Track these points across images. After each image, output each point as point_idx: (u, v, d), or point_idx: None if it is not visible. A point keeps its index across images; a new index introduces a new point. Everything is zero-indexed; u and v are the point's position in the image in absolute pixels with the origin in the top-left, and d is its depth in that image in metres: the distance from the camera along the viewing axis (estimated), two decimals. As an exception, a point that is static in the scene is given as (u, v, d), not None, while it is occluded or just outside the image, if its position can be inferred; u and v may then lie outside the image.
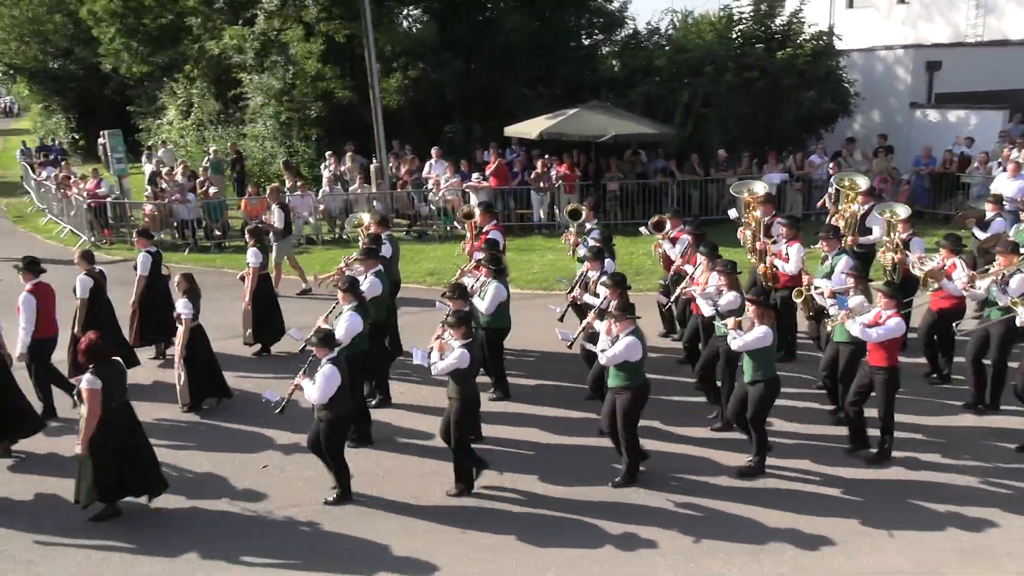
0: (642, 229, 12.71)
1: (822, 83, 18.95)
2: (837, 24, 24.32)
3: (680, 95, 18.73)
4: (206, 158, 22.33)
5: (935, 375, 10.09)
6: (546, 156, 18.51)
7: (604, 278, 8.98)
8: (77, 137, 34.09)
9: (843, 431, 8.64)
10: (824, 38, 19.71)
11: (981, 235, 11.31)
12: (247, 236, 11.84)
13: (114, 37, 26.20)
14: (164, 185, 18.73)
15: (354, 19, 19.56)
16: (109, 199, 19.24)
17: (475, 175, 18.53)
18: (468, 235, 11.94)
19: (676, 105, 18.80)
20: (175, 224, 18.40)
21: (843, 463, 8.30)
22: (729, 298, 8.62)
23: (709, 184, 18.21)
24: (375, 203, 18.86)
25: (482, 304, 9.43)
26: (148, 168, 22.15)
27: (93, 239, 18.69)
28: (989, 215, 11.34)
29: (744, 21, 20.12)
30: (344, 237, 18.71)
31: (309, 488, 8.11)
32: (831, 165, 17.21)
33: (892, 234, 10.71)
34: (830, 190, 12.62)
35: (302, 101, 21.01)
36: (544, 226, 18.31)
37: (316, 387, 7.42)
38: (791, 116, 18.83)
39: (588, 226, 11.51)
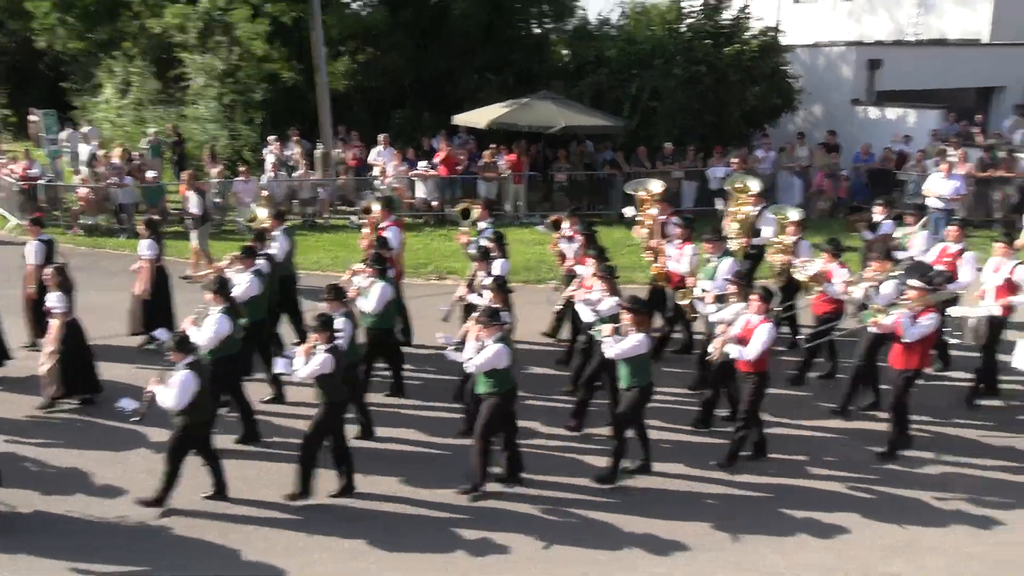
0: (539, 227, 12.73)
1: (768, 79, 19.20)
2: (783, 17, 24.69)
3: (629, 87, 18.80)
4: (145, 139, 21.69)
5: (822, 375, 10.35)
6: (494, 145, 18.42)
7: (487, 280, 8.96)
8: (8, 113, 32.72)
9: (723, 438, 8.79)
10: (770, 34, 19.93)
11: (869, 236, 11.39)
12: (142, 226, 11.35)
13: (49, 11, 25.16)
14: (101, 168, 18.13)
15: (302, 0, 19.16)
16: (41, 181, 18.57)
17: (422, 163, 18.37)
18: (367, 230, 11.68)
19: (625, 97, 18.86)
20: (112, 208, 17.84)
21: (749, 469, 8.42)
22: (609, 303, 8.59)
23: (656, 176, 18.29)
24: (319, 190, 18.60)
25: (367, 304, 9.25)
26: (83, 148, 21.41)
27: (23, 222, 18.03)
28: (878, 218, 11.39)
29: (693, 16, 20.25)
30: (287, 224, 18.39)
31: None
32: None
33: (783, 236, 10.86)
34: (724, 192, 12.78)
35: (246, 83, 20.53)
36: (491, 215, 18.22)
37: (171, 393, 7.26)
38: (737, 111, 19.04)
39: (482, 225, 11.32)
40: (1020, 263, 9.49)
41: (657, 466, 8.35)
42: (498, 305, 8.26)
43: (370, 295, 9.24)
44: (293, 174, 18.65)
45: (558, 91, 19.24)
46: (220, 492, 7.79)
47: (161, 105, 23.95)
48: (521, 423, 8.87)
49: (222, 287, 8.55)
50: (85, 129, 22.80)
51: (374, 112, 20.74)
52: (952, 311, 9.80)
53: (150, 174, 18.33)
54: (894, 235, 11.05)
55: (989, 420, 9.47)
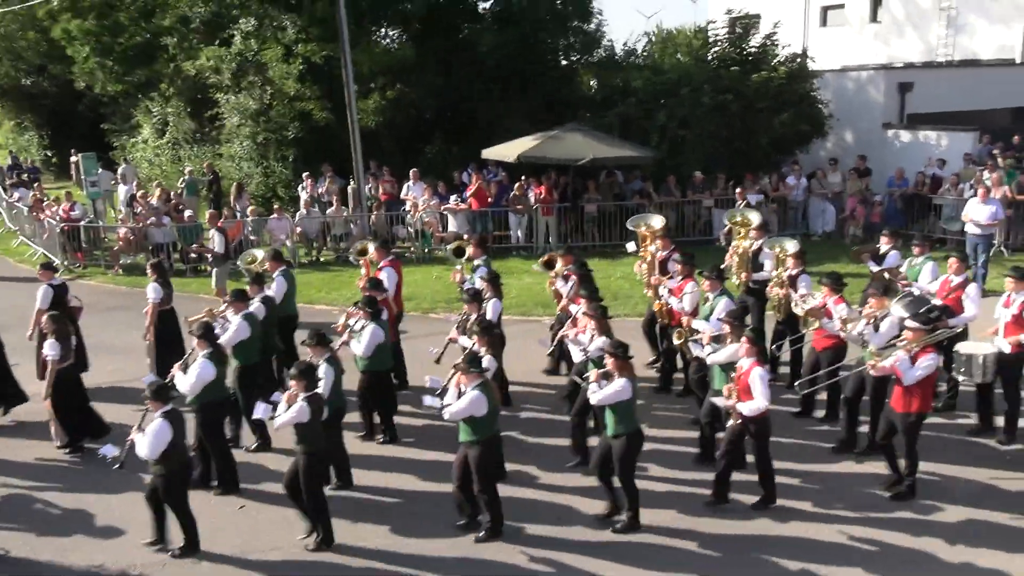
0: (534, 266, 12.59)
1: (796, 106, 19.14)
2: (810, 41, 24.67)
3: (657, 117, 18.85)
4: (181, 179, 22.17)
5: (820, 417, 9.98)
6: (524, 178, 18.55)
7: (473, 323, 8.88)
8: (50, 155, 33.71)
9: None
10: (798, 60, 19.91)
11: (875, 269, 11.03)
12: (149, 270, 11.50)
13: (88, 56, 25.96)
14: (139, 208, 18.54)
15: (332, 40, 19.54)
16: (83, 223, 19.03)
17: (453, 197, 18.53)
18: (364, 271, 11.67)
19: (652, 127, 18.92)
20: (150, 248, 18.21)
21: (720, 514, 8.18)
22: (598, 343, 8.45)
23: (686, 205, 18.33)
24: (351, 226, 18.83)
25: (359, 347, 9.19)
26: (122, 189, 21.93)
27: (66, 263, 18.48)
28: (884, 248, 11.07)
29: (719, 44, 20.29)
30: (321, 260, 18.66)
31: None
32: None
33: (779, 268, 10.69)
34: (724, 226, 12.64)
35: (279, 121, 20.93)
36: (522, 248, 18.33)
37: (145, 442, 7.30)
38: (765, 138, 19.00)
39: (476, 263, 11.12)
40: None
41: (657, 513, 8.16)
42: (482, 349, 8.18)
43: (362, 338, 9.17)
44: (327, 211, 18.91)
45: (586, 122, 19.35)
46: (160, 540, 7.74)
47: (197, 144, 24.52)
48: (515, 466, 8.92)
49: (206, 332, 8.52)
50: (121, 168, 23.34)
51: (404, 147, 21.01)
52: (960, 347, 9.32)
53: (187, 214, 18.69)
54: (900, 267, 10.77)
55: (1001, 464, 8.94)
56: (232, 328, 9.31)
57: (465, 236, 14.81)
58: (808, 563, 7.37)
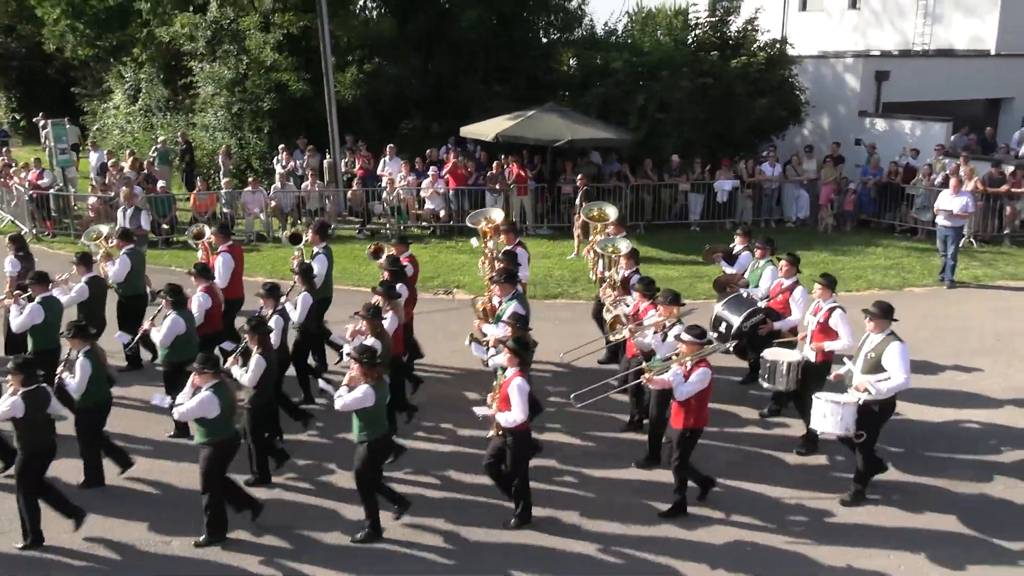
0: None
1: (775, 91, 19.22)
2: (789, 26, 24.71)
3: (635, 99, 18.84)
4: (153, 147, 21.83)
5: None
6: (503, 156, 18.50)
7: (244, 323, 8.57)
8: (18, 118, 33.01)
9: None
10: (778, 46, 19.95)
11: (729, 270, 10.92)
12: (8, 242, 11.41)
13: (59, 18, 25.36)
14: (111, 178, 18.26)
15: (309, 10, 19.26)
16: (52, 191, 18.71)
17: (431, 169, 18.42)
18: (202, 254, 11.58)
19: (631, 108, 18.91)
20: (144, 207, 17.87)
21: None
22: (369, 343, 8.27)
23: (663, 189, 18.40)
24: (326, 200, 18.66)
25: (157, 335, 9.14)
26: (94, 156, 21.56)
27: (35, 230, 18.20)
28: (737, 248, 10.92)
29: (700, 27, 20.27)
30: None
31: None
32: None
33: (612, 270, 10.58)
34: (577, 219, 12.43)
35: (255, 92, 20.62)
36: (498, 227, 18.29)
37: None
38: (744, 123, 19.07)
39: (315, 250, 10.99)
40: (837, 306, 8.68)
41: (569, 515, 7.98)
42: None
43: (162, 327, 9.09)
44: (302, 185, 18.74)
45: (565, 102, 19.28)
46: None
47: (170, 112, 24.12)
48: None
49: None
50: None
51: (382, 122, 20.83)
52: (765, 354, 9.01)
53: (159, 184, 18.43)
54: (745, 272, 10.66)
55: (797, 480, 8.59)
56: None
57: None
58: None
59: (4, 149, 22.83)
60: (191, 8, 21.87)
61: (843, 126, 20.80)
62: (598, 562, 7.38)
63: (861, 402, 7.80)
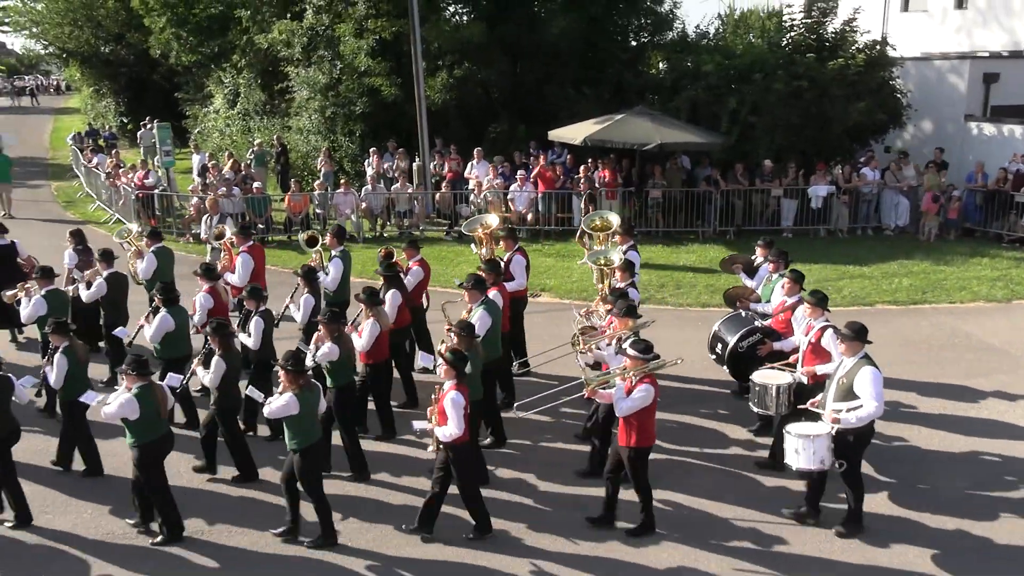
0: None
1: (874, 94, 18.57)
2: (890, 27, 23.81)
3: (727, 102, 18.49)
4: (250, 150, 22.57)
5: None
6: (590, 160, 18.43)
7: (208, 326, 8.67)
8: (125, 121, 34.63)
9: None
10: (878, 47, 19.27)
11: (749, 282, 10.46)
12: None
13: (164, 26, 26.54)
14: (211, 179, 18.96)
15: (402, 16, 19.62)
16: (156, 191, 19.54)
17: (519, 173, 18.47)
18: (225, 254, 11.59)
19: (722, 112, 18.58)
20: (227, 215, 18.57)
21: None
22: (325, 350, 8.33)
23: (754, 194, 17.99)
24: (415, 203, 18.93)
25: (148, 331, 9.27)
26: (195, 159, 22.45)
27: (140, 228, 18.99)
28: (759, 260, 10.48)
29: (795, 29, 19.75)
30: (384, 235, 18.83)
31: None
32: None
33: (605, 282, 10.20)
34: (582, 229, 11.82)
35: (348, 96, 21.11)
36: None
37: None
38: (840, 127, 18.49)
39: (333, 253, 11.01)
40: (829, 325, 8.14)
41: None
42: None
43: (153, 323, 9.25)
44: (392, 187, 19.07)
45: (654, 106, 19.08)
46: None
47: (267, 116, 24.90)
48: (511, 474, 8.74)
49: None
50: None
51: (469, 126, 21.02)
52: (755, 376, 8.56)
53: (255, 185, 19.03)
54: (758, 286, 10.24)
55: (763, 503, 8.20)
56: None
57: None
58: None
59: (114, 151, 23.95)
60: (288, 16, 22.54)
61: (948, 131, 19.93)
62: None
63: (834, 432, 7.34)
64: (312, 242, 11.66)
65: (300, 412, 7.21)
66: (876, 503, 8.10)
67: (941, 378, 10.95)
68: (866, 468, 8.12)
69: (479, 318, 8.84)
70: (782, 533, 7.70)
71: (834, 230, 18.03)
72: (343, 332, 8.56)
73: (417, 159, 19.77)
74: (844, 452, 7.36)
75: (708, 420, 9.93)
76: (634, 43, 22.54)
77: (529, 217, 18.34)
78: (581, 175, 18.06)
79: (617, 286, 9.76)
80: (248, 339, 9.23)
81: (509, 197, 18.42)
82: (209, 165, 20.05)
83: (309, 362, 8.25)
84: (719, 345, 9.51)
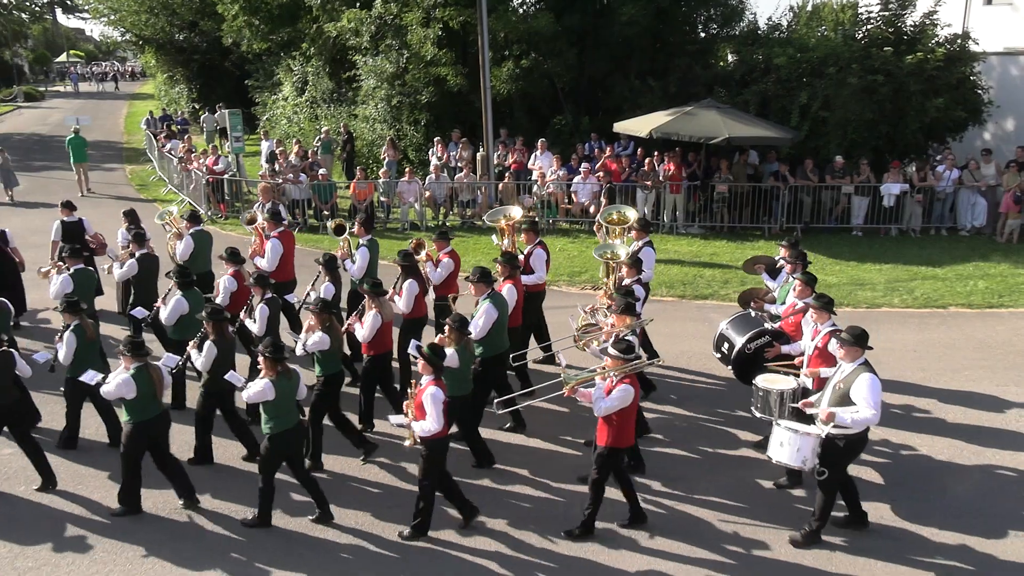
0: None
1: (953, 90, 17.94)
2: (972, 20, 22.96)
3: (798, 96, 18.07)
4: (317, 137, 22.90)
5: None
6: (656, 153, 18.22)
7: (204, 311, 8.72)
8: (197, 107, 35.46)
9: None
10: (959, 42, 18.60)
11: (771, 283, 10.12)
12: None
13: (237, 14, 27.08)
14: (278, 166, 19.29)
15: (469, 5, 19.64)
16: (226, 176, 19.97)
17: (583, 165, 18.36)
18: (256, 240, 11.62)
19: (793, 106, 18.17)
20: (286, 204, 18.92)
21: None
22: (315, 339, 8.36)
23: (823, 191, 17.56)
24: (478, 192, 18.98)
25: (163, 313, 9.53)
26: (264, 145, 22.88)
27: (210, 212, 19.48)
28: (781, 261, 10.16)
29: (872, 21, 19.18)
30: (447, 224, 18.92)
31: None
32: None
33: (611, 276, 9.94)
34: (598, 222, 11.49)
35: (414, 86, 21.26)
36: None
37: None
38: (916, 123, 17.91)
39: (360, 242, 11.04)
40: (836, 329, 7.84)
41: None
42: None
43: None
44: (455, 176, 19.15)
45: (722, 99, 18.78)
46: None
47: (334, 104, 25.23)
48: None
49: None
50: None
51: (534, 116, 20.96)
52: (757, 381, 8.33)
53: (321, 172, 19.31)
54: (775, 287, 9.95)
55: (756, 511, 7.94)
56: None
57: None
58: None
59: (186, 136, 24.55)
60: (357, 4, 22.77)
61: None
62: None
63: (824, 435, 7.09)
64: (340, 230, 11.75)
65: (276, 398, 7.34)
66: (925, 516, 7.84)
67: (1021, 384, 10.58)
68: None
69: (484, 312, 8.78)
70: (768, 538, 7.49)
71: (906, 229, 17.51)
72: (334, 322, 8.62)
73: (481, 149, 19.81)
74: (831, 458, 7.16)
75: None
76: (703, 35, 22.21)
77: (592, 209, 18.22)
78: (646, 168, 17.87)
79: (626, 283, 9.63)
80: (253, 325, 9.27)
81: (572, 189, 18.34)
82: (277, 152, 20.39)
83: (300, 350, 8.45)
84: (725, 345, 9.34)
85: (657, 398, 10.23)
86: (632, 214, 11.22)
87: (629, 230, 10.97)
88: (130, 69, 74.13)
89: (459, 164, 19.44)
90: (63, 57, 74.05)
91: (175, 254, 11.73)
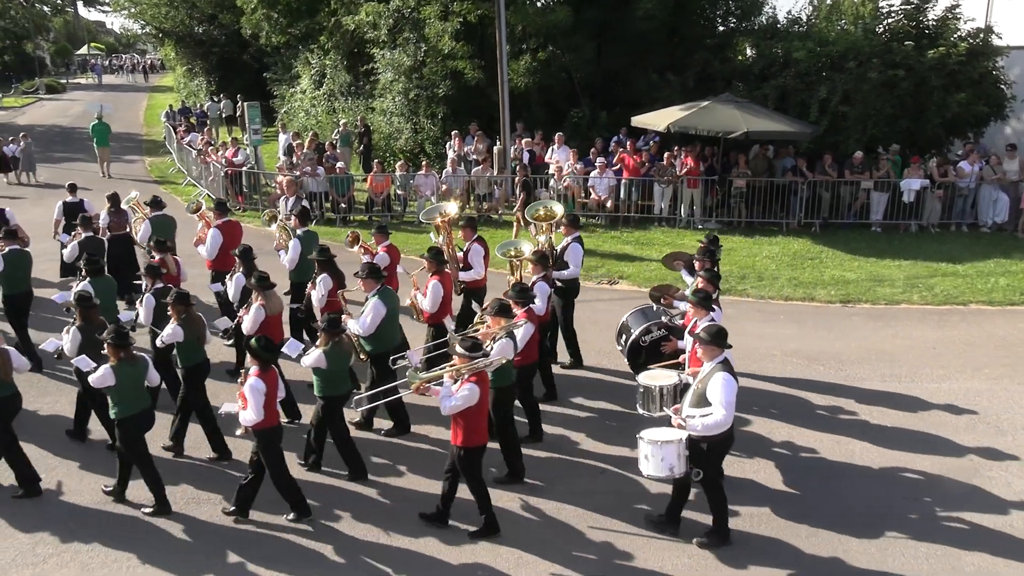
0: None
1: (975, 85, 17.74)
2: (996, 14, 22.69)
3: (817, 91, 17.93)
4: (335, 130, 22.97)
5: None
6: (675, 148, 18.15)
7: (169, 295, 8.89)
8: (216, 100, 35.63)
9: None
10: (981, 36, 18.39)
11: (689, 279, 9.87)
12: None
13: (256, 7, 27.17)
14: (296, 158, 19.38)
15: (487, -1, 19.63)
16: (244, 168, 20.08)
17: (599, 160, 18.32)
18: (201, 225, 11.86)
19: (812, 101, 18.03)
20: (303, 196, 18.98)
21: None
22: (168, 331, 8.51)
23: (842, 186, 17.43)
24: (495, 186, 18.97)
25: (141, 311, 9.51)
26: (282, 138, 22.98)
27: (228, 204, 19.58)
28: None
29: (893, 16, 18.98)
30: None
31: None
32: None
33: (515, 274, 9.83)
34: (516, 221, 11.45)
35: (431, 79, 21.27)
36: (664, 219, 18.00)
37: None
38: (937, 118, 17.73)
39: (298, 232, 11.18)
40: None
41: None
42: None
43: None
44: (472, 170, 19.15)
45: (740, 93, 18.66)
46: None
47: (351, 97, 25.30)
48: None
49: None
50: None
51: (551, 110, 20.92)
52: (640, 378, 8.31)
53: (339, 165, 19.37)
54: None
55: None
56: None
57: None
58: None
59: (205, 129, 24.71)
60: (375, -2, 22.81)
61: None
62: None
63: (684, 440, 7.02)
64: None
65: (119, 384, 7.48)
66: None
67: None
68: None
69: (372, 308, 8.72)
70: (633, 547, 7.33)
71: (926, 225, 17.37)
72: (191, 313, 8.56)
73: (498, 142, 19.81)
74: (699, 461, 7.07)
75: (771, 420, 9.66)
76: (721, 29, 22.05)
77: (609, 204, 18.19)
78: (665, 162, 17.81)
79: (532, 279, 9.46)
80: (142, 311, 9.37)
81: (589, 184, 18.30)
82: (294, 144, 20.48)
83: (158, 343, 8.71)
84: (624, 336, 9.20)
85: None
86: (559, 209, 11.08)
87: (557, 226, 10.84)
88: (149, 62, 74.63)
89: (476, 158, 19.44)
90: (84, 50, 74.67)
91: (139, 238, 12.45)
